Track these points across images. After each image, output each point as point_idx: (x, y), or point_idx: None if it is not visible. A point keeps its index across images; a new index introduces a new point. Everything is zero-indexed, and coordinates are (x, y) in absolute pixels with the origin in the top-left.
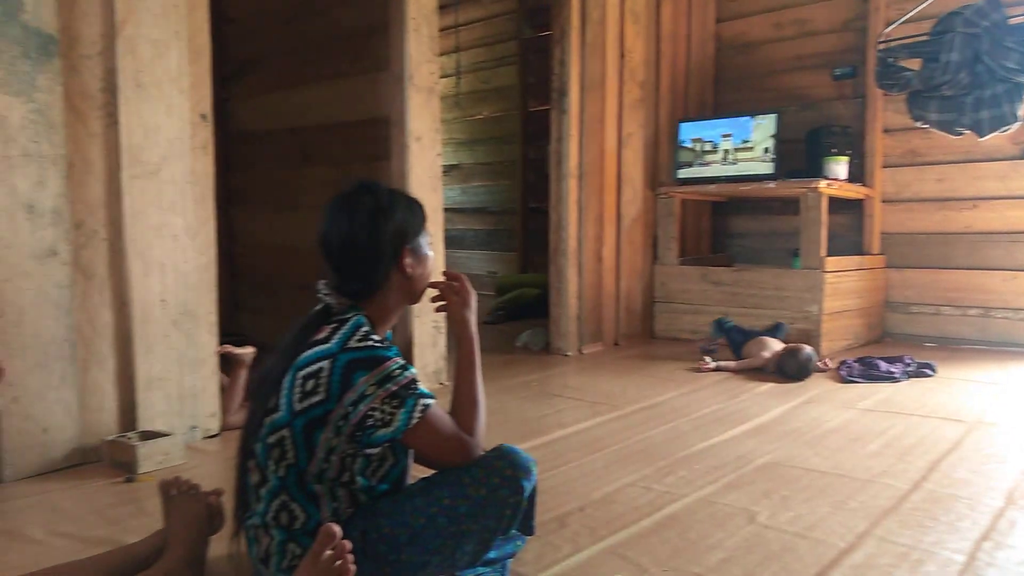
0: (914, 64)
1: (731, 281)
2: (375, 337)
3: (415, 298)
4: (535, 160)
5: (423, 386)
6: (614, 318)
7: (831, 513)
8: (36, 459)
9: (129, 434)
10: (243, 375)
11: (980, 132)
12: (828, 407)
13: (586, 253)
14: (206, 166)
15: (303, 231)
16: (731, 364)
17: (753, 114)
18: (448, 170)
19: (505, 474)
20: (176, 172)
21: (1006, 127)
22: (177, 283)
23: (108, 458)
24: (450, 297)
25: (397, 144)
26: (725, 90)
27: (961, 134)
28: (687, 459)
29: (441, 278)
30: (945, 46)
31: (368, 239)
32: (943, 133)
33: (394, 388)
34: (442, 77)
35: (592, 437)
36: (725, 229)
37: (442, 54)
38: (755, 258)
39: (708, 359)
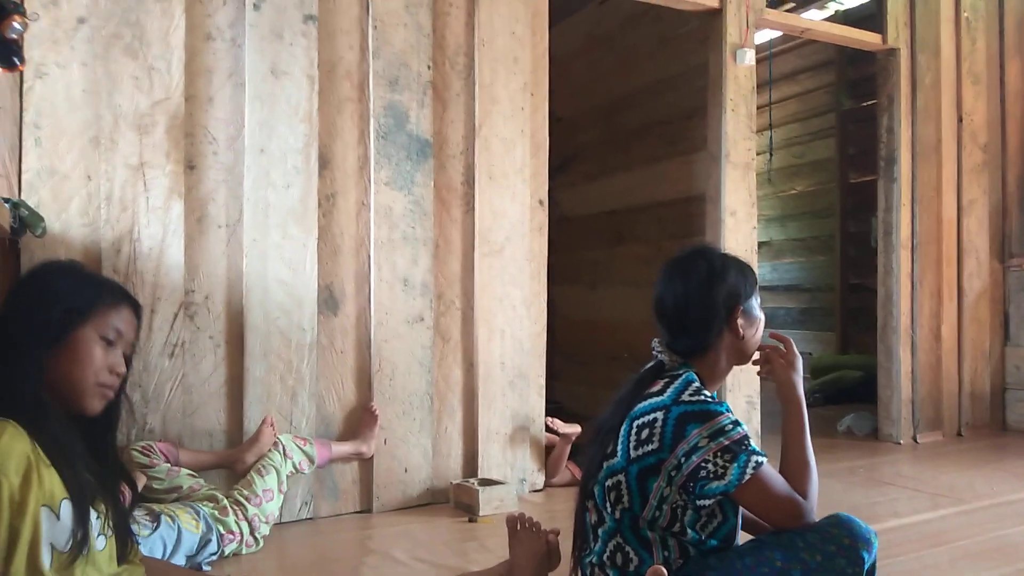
0: None
1: None
2: (706, 392)
3: (744, 358)
4: (856, 233)
5: (754, 444)
6: (956, 405)
7: None
8: (398, 495)
9: (471, 480)
10: (566, 449)
11: None
12: None
13: (921, 331)
14: (541, 245)
15: (613, 306)
16: None
17: None
18: (757, 247)
19: (843, 543)
20: (517, 251)
21: None
22: (514, 348)
23: (454, 499)
24: (776, 360)
25: (711, 219)
26: None
27: None
28: None
29: (769, 340)
30: None
31: (701, 300)
32: None
33: (726, 442)
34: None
35: (933, 530)
36: None
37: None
38: None
39: None
